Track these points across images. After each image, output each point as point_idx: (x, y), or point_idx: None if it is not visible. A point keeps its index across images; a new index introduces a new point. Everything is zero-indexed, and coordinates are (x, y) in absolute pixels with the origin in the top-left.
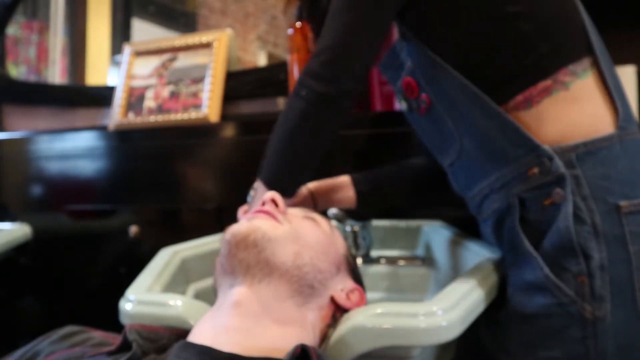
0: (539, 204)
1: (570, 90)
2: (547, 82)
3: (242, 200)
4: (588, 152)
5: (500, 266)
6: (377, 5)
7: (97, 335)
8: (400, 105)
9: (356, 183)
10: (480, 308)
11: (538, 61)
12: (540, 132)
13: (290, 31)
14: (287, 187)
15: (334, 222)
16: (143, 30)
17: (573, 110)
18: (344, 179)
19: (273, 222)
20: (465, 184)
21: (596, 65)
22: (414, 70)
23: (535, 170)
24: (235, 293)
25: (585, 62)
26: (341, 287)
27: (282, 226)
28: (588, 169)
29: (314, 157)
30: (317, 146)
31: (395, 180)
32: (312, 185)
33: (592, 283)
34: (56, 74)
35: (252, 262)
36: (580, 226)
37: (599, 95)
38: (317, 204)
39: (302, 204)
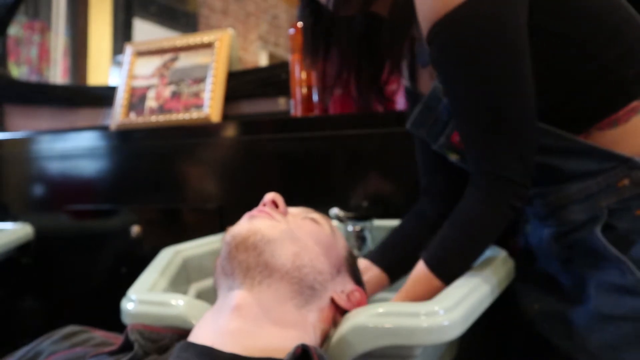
0: (630, 214)
1: None
2: (633, 104)
3: (243, 200)
4: None
5: (503, 264)
6: None
7: (99, 335)
8: (449, 158)
9: (378, 261)
10: (483, 307)
11: (626, 88)
12: (627, 146)
13: (291, 31)
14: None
15: (335, 223)
16: (144, 30)
17: None
18: (364, 263)
19: (272, 221)
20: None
21: None
22: None
23: (626, 182)
24: (234, 296)
25: None
26: (341, 288)
27: (281, 225)
28: None
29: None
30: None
31: (411, 244)
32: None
33: None
34: (57, 74)
35: (251, 264)
36: None
37: None
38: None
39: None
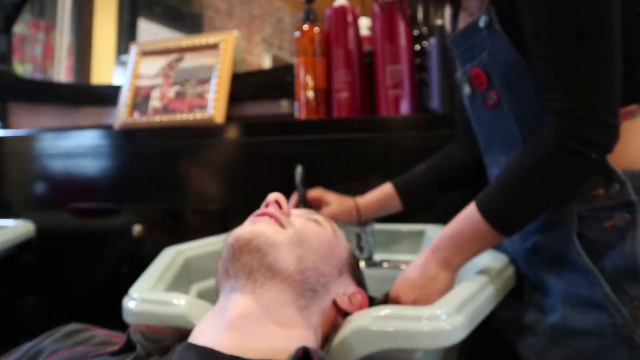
0: (599, 224)
1: None
2: (632, 107)
3: (246, 202)
4: None
5: (505, 270)
6: None
7: (100, 333)
8: (462, 88)
9: (401, 193)
10: (484, 312)
11: (634, 86)
12: (614, 153)
13: (297, 34)
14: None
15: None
16: (149, 31)
17: None
18: (388, 190)
19: (276, 226)
20: None
21: None
22: (488, 64)
23: (601, 191)
24: (237, 297)
25: None
26: (343, 290)
27: (286, 231)
28: None
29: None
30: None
31: (432, 183)
32: (359, 198)
33: None
34: (62, 73)
35: (255, 267)
36: None
37: None
38: (361, 217)
39: (347, 215)
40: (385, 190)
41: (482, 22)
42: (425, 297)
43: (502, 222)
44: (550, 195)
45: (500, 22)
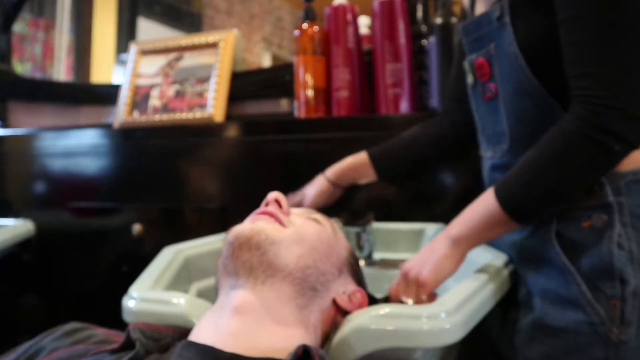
0: (577, 224)
1: None
2: None
3: (245, 201)
4: (636, 180)
5: (504, 269)
6: None
7: (100, 332)
8: (466, 77)
9: (375, 161)
10: (484, 311)
11: None
12: None
13: (296, 32)
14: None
15: (335, 221)
16: (148, 30)
17: None
18: (362, 158)
19: (277, 225)
20: None
21: None
22: (493, 56)
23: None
24: (237, 295)
25: None
26: (343, 289)
27: (286, 229)
28: (633, 197)
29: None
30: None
31: (407, 155)
32: (330, 173)
33: (623, 307)
34: (61, 72)
35: (255, 264)
36: (619, 251)
37: None
38: (338, 187)
39: (322, 194)
40: (359, 158)
41: (494, 14)
42: (420, 265)
43: (516, 209)
44: (567, 186)
45: (511, 16)
